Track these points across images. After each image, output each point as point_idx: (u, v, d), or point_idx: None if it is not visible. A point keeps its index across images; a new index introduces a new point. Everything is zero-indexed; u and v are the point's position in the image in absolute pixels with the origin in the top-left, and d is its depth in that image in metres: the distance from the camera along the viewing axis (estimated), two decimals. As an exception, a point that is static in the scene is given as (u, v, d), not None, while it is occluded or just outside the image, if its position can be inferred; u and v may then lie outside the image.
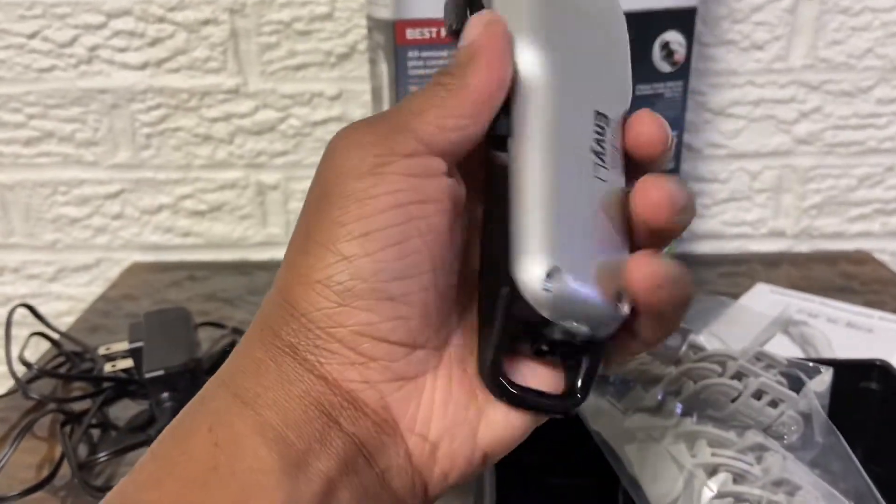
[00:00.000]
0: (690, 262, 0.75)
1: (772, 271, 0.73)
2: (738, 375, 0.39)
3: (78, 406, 0.52)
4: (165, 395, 0.48)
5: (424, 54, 0.54)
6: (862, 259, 0.76)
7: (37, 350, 0.60)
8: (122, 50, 0.71)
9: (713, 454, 0.35)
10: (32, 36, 0.71)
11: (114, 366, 0.54)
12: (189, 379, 0.49)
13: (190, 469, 0.22)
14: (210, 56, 0.71)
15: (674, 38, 0.59)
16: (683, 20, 0.59)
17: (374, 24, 0.57)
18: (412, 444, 0.25)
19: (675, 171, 0.64)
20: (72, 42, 0.71)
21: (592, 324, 0.25)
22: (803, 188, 0.76)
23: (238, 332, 0.61)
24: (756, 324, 0.55)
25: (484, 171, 0.28)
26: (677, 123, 0.62)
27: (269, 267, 0.77)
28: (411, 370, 0.25)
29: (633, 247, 0.26)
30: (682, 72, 0.60)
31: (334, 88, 0.72)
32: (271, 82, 0.72)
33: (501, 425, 0.26)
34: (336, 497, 0.23)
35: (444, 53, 0.54)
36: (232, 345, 0.59)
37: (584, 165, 0.26)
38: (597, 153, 0.26)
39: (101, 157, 0.75)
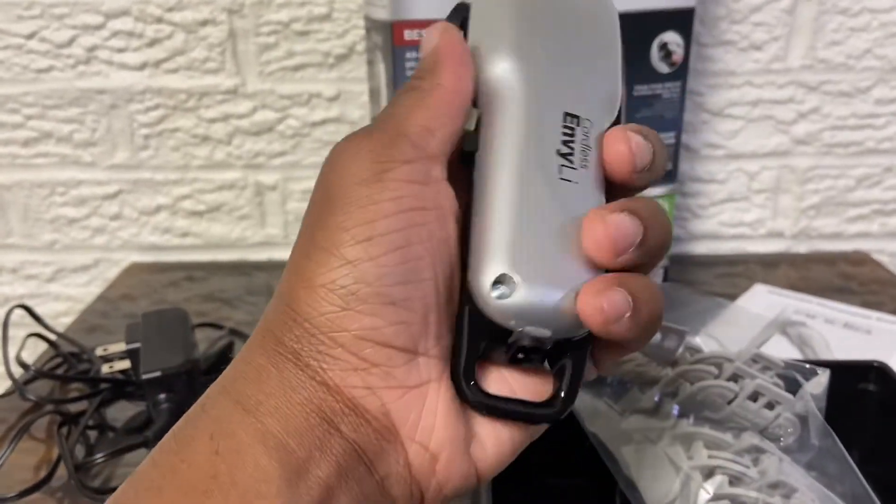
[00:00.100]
0: (688, 262, 0.75)
1: (770, 272, 0.73)
2: (735, 377, 0.39)
3: (75, 407, 0.52)
4: (162, 396, 0.48)
5: (422, 55, 0.54)
6: (860, 260, 0.76)
7: (34, 351, 0.60)
8: (121, 50, 0.71)
9: (709, 456, 0.35)
10: (30, 36, 0.71)
11: (111, 367, 0.54)
12: (186, 380, 0.49)
13: (190, 477, 0.22)
14: (208, 56, 0.71)
15: (672, 38, 0.59)
16: (681, 21, 0.59)
17: (372, 25, 0.57)
18: (412, 453, 0.25)
19: (673, 171, 0.64)
20: (70, 42, 0.71)
21: (553, 326, 0.25)
22: (802, 189, 0.76)
23: (236, 332, 0.61)
24: (753, 325, 0.55)
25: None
26: (675, 124, 0.62)
27: (268, 267, 0.77)
28: (413, 378, 0.25)
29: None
30: (681, 72, 0.60)
31: (332, 89, 0.72)
32: (269, 83, 0.72)
33: (491, 441, 0.26)
34: None
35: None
36: (230, 345, 0.59)
37: (547, 169, 0.26)
38: (564, 154, 0.26)
39: (100, 158, 0.75)
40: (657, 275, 0.65)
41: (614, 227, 0.25)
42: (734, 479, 0.35)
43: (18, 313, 0.59)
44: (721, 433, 0.37)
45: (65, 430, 0.49)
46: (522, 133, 0.26)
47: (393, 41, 0.54)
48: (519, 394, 0.27)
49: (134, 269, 0.77)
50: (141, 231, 0.78)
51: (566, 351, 0.26)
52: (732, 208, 0.77)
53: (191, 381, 0.49)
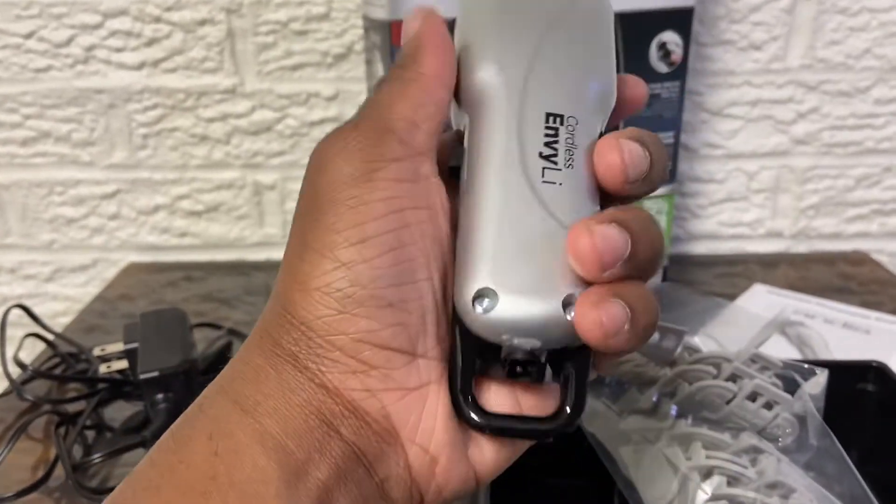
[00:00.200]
0: (687, 262, 0.75)
1: (769, 272, 0.73)
2: (734, 377, 0.39)
3: (72, 407, 0.52)
4: (160, 396, 0.48)
5: (420, 55, 0.54)
6: (860, 260, 0.76)
7: (32, 351, 0.60)
8: (119, 50, 0.71)
9: (708, 456, 0.35)
10: (29, 36, 0.71)
11: (109, 367, 0.54)
12: (184, 380, 0.49)
13: (189, 477, 0.22)
14: (207, 56, 0.71)
15: (671, 38, 0.59)
16: (680, 20, 0.59)
17: (371, 25, 0.57)
18: (412, 455, 0.25)
19: (672, 171, 0.64)
20: (68, 42, 0.71)
21: (542, 336, 0.24)
22: (801, 188, 0.76)
23: (234, 332, 0.61)
24: (752, 325, 0.55)
25: None
26: (674, 124, 0.62)
27: (266, 267, 0.77)
28: (412, 380, 0.25)
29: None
30: (679, 72, 0.60)
31: (331, 89, 0.72)
32: (268, 82, 0.72)
33: (490, 444, 0.26)
34: None
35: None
36: (228, 346, 0.58)
37: (528, 174, 0.25)
38: (547, 156, 0.25)
39: (98, 158, 0.75)
40: (657, 274, 0.65)
41: (601, 239, 0.24)
42: (732, 480, 0.35)
43: (16, 313, 0.59)
44: (719, 433, 0.37)
45: (62, 430, 0.49)
46: (501, 140, 0.26)
47: (391, 41, 0.54)
48: (525, 409, 0.26)
49: (132, 269, 0.77)
50: (139, 231, 0.78)
51: (567, 360, 0.25)
52: (731, 208, 0.77)
53: (189, 381, 0.49)
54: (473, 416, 0.25)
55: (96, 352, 0.55)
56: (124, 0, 0.69)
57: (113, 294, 0.72)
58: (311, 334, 0.24)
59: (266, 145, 0.74)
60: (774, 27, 0.70)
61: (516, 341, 0.24)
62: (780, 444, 0.38)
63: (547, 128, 0.26)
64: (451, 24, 0.28)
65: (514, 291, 0.24)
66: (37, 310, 0.64)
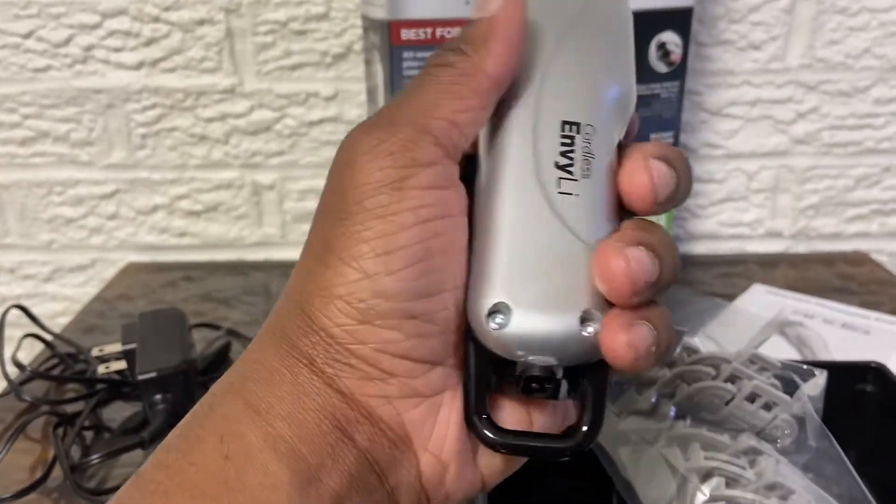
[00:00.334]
0: (686, 262, 0.75)
1: (768, 272, 0.72)
2: (732, 378, 0.39)
3: (71, 408, 0.52)
4: (158, 396, 0.48)
5: (420, 55, 0.54)
6: (859, 260, 0.76)
7: (30, 352, 0.60)
8: (118, 50, 0.71)
9: (706, 457, 0.35)
10: (27, 36, 0.71)
11: (107, 367, 0.53)
12: (182, 381, 0.48)
13: (199, 481, 0.22)
14: (205, 56, 0.71)
15: (670, 38, 0.59)
16: (680, 20, 0.59)
17: (370, 25, 0.57)
18: (424, 463, 0.25)
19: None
20: (67, 42, 0.71)
21: (557, 354, 0.24)
22: (800, 188, 0.76)
23: (233, 332, 0.61)
24: (752, 326, 0.55)
25: None
26: (673, 124, 0.62)
27: (265, 267, 0.77)
28: (429, 387, 0.25)
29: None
30: (679, 72, 0.60)
31: (330, 89, 0.72)
32: (267, 82, 0.72)
33: (500, 454, 0.26)
34: None
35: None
36: (227, 346, 0.58)
37: (544, 186, 0.24)
38: (563, 166, 0.25)
39: (97, 157, 0.75)
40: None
41: (635, 263, 0.23)
42: (731, 481, 0.35)
43: (15, 313, 0.59)
44: (718, 434, 0.37)
45: (61, 430, 0.49)
46: (515, 149, 0.25)
47: (391, 40, 0.54)
48: (537, 425, 0.25)
49: (131, 269, 0.77)
50: (138, 231, 0.78)
51: (583, 376, 0.25)
52: (731, 208, 0.77)
53: (187, 381, 0.49)
54: (487, 433, 0.24)
55: (95, 352, 0.55)
56: (123, 0, 0.69)
57: (112, 294, 0.72)
58: (329, 340, 0.23)
59: (265, 145, 0.74)
60: (774, 27, 0.70)
61: (532, 358, 0.24)
62: (778, 445, 0.38)
63: (563, 137, 0.25)
64: None
65: (530, 307, 0.23)
66: (35, 310, 0.64)
